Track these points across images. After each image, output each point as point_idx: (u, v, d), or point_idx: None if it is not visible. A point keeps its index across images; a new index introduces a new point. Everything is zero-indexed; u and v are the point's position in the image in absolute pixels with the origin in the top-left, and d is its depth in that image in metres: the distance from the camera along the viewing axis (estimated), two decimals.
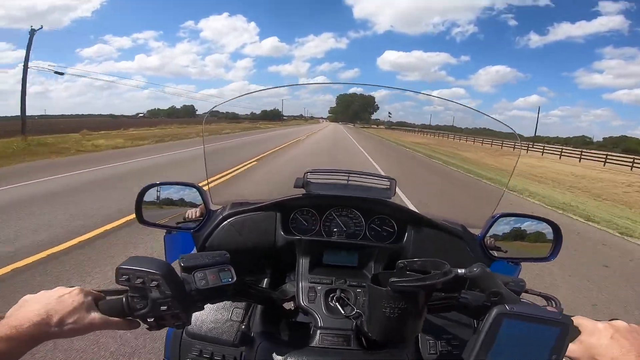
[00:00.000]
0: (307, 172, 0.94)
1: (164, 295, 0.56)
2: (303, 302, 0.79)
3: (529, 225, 1.05)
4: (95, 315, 0.56)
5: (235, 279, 0.63)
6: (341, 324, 0.73)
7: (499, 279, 0.59)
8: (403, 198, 5.39)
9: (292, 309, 0.88)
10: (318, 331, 0.73)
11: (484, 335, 0.49)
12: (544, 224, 0.98)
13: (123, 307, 0.57)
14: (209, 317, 0.83)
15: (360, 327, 0.71)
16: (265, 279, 0.95)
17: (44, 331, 0.51)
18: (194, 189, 0.95)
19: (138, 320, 0.59)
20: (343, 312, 0.76)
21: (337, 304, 0.78)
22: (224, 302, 0.84)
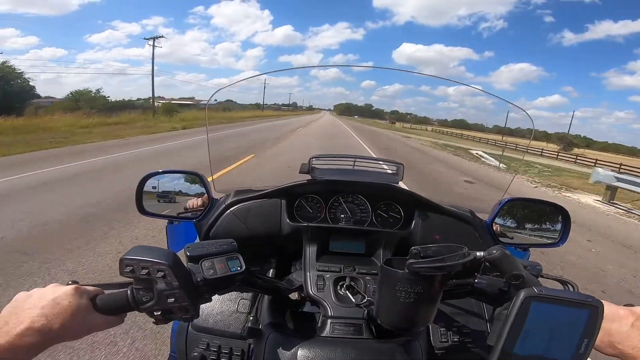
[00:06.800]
0: (312, 158, 0.91)
1: (170, 287, 0.54)
2: (312, 291, 0.77)
3: (536, 210, 1.04)
4: (94, 316, 0.54)
5: (244, 267, 0.61)
6: (352, 313, 0.72)
7: (518, 262, 0.57)
8: None
9: (298, 299, 0.87)
10: (328, 321, 0.71)
11: (512, 320, 0.46)
12: (552, 207, 0.97)
13: (127, 301, 0.55)
14: (215, 309, 0.81)
15: (371, 316, 0.70)
16: (271, 269, 0.93)
17: (47, 338, 0.49)
18: (197, 177, 0.93)
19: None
20: (353, 300, 0.74)
21: (347, 292, 0.76)
22: (229, 294, 0.82)
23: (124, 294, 0.55)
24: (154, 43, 29.24)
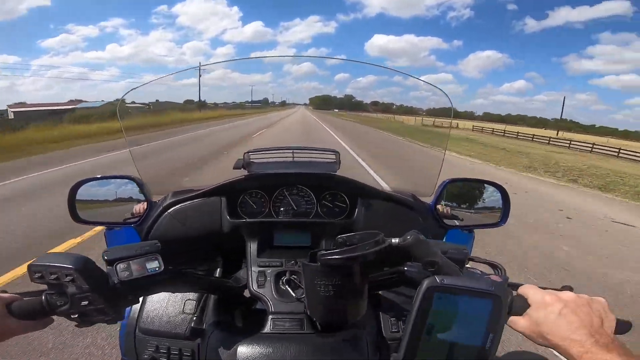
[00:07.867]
0: (248, 152, 0.90)
1: (81, 290, 0.54)
2: (253, 287, 0.76)
3: (481, 190, 1.06)
4: (8, 321, 0.54)
5: (162, 267, 0.60)
6: (292, 308, 0.71)
7: (439, 247, 0.55)
8: None
9: (250, 296, 0.85)
10: (269, 317, 0.70)
11: (415, 311, 0.44)
12: (493, 187, 0.98)
13: (43, 306, 0.55)
14: (161, 311, 0.80)
15: None
16: (218, 268, 0.92)
17: None
18: (132, 182, 0.90)
19: (52, 318, 0.57)
20: (294, 294, 0.73)
21: (287, 286, 0.75)
22: (175, 295, 0.81)
23: (39, 299, 0.56)
24: None
